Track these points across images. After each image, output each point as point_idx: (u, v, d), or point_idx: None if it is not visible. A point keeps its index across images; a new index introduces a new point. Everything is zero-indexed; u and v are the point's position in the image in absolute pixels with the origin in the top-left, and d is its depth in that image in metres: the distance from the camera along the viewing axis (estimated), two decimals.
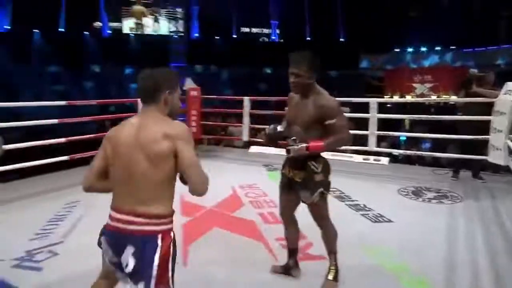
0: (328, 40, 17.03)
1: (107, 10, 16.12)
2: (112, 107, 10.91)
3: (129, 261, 1.40)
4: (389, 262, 2.64)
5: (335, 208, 3.60)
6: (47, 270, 2.51)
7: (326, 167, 2.19)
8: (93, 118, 6.05)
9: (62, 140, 4.71)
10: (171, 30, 10.60)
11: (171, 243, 1.46)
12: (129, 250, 1.40)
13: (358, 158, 5.62)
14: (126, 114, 6.37)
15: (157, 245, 1.41)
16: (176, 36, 10.57)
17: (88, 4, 15.46)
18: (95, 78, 15.84)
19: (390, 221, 3.38)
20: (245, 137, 6.16)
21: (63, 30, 15.61)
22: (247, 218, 3.42)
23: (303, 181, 2.18)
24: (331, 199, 3.85)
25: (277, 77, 15.98)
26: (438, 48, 16.36)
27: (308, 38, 17.86)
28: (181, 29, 10.49)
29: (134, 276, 1.40)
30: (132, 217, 1.42)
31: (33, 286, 2.33)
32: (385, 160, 5.51)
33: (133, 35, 16.27)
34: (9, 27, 14.92)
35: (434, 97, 14.50)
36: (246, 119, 6.03)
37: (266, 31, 18.00)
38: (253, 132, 6.95)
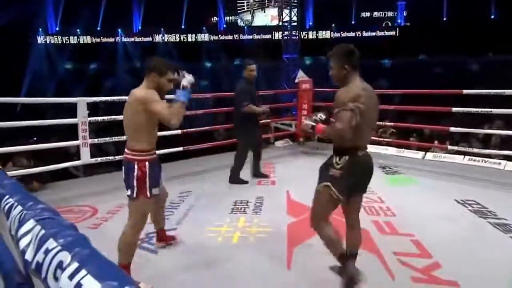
0: (475, 19, 14.89)
1: (224, 5, 17.42)
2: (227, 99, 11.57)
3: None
4: None
5: (473, 226, 3.22)
6: (161, 253, 2.84)
7: (349, 167, 2.13)
8: (206, 111, 6.50)
9: (178, 132, 5.24)
10: (284, 20, 10.81)
11: (146, 167, 2.31)
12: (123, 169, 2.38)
13: (508, 165, 4.82)
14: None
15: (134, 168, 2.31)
16: (288, 26, 10.71)
17: (206, 1, 16.93)
18: (209, 72, 17.24)
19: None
20: None
21: (183, 27, 17.45)
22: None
23: (321, 169, 2.29)
24: (467, 214, 3.45)
25: (398, 70, 14.94)
26: None
27: (445, 19, 16.01)
28: (294, 19, 10.59)
29: (126, 185, 2.35)
30: (126, 150, 2.38)
31: (149, 266, 2.66)
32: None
33: (247, 27, 17.24)
34: (140, 27, 17.41)
35: None
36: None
37: (390, 14, 16.86)
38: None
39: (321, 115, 2.26)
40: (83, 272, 0.52)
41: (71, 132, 4.73)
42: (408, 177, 4.76)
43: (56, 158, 4.73)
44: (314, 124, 2.20)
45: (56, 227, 0.63)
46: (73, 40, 17.01)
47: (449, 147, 5.41)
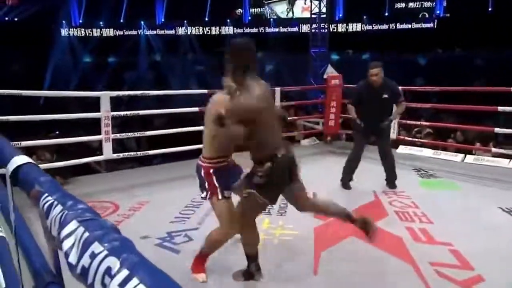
0: None
1: None
2: None
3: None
4: None
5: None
6: (183, 253, 2.87)
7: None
8: None
9: (201, 128, 5.28)
10: (313, 12, 10.72)
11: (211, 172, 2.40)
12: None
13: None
14: None
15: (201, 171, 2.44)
16: (316, 19, 10.61)
17: None
18: None
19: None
20: (393, 134, 5.77)
21: (207, 19, 17.58)
22: (391, 231, 3.19)
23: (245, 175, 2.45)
24: None
25: (446, 60, 14.38)
26: None
27: (490, 9, 15.41)
28: (323, 10, 10.48)
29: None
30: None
31: (171, 265, 2.68)
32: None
33: (273, 20, 17.20)
34: (163, 20, 17.66)
35: None
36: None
37: (427, 4, 16.38)
38: (403, 129, 6.49)
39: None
40: (135, 280, 0.51)
41: (93, 126, 4.84)
42: (446, 181, 4.62)
43: (78, 153, 4.87)
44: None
45: (100, 229, 0.62)
46: (96, 33, 17.43)
47: (493, 149, 5.21)
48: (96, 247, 0.59)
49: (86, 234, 0.63)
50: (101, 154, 4.54)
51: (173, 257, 2.82)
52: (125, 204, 3.84)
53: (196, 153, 5.52)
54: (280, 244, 3.00)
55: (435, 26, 15.95)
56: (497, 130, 5.13)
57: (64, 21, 17.09)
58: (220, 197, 2.39)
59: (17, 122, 4.13)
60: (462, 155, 5.35)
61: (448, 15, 16.07)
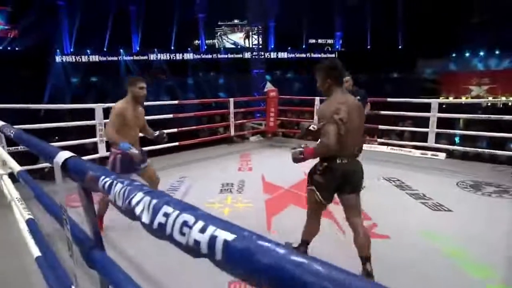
0: (387, 48, 15.74)
1: (204, 31, 17.14)
2: (213, 103, 11.27)
3: None
4: (449, 247, 2.37)
5: (395, 196, 3.40)
6: None
7: (327, 173, 1.90)
8: (195, 114, 6.52)
9: (175, 130, 5.12)
10: (253, 43, 10.80)
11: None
12: None
13: (416, 152, 5.12)
14: (220, 111, 6.71)
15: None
16: (255, 48, 10.72)
17: (190, 29, 16.61)
18: (196, 83, 16.94)
19: (449, 210, 3.02)
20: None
21: (172, 48, 16.98)
22: None
23: (310, 172, 2.03)
24: (391, 187, 3.64)
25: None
26: (497, 52, 14.01)
27: (369, 47, 16.71)
28: (260, 42, 10.61)
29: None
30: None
31: (153, 245, 2.60)
32: (442, 155, 4.92)
33: (222, 48, 17.07)
34: (138, 48, 16.76)
35: (491, 98, 12.50)
36: (316, 116, 5.89)
37: (330, 41, 17.28)
38: None
39: (313, 126, 1.93)
40: (211, 227, 0.49)
41: (85, 132, 4.51)
42: None
43: (76, 153, 4.48)
44: (301, 149, 1.90)
45: (163, 197, 0.61)
46: (84, 59, 16.19)
47: (378, 140, 5.59)
48: (167, 209, 0.57)
49: (154, 200, 0.60)
50: (96, 153, 4.23)
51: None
52: None
53: (168, 151, 5.40)
54: (242, 213, 3.02)
55: (336, 56, 16.90)
56: (380, 127, 5.53)
57: (58, 50, 15.67)
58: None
59: (24, 130, 3.70)
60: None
61: (343, 49, 17.12)
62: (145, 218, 0.60)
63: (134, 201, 0.64)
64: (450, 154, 5.20)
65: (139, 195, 0.64)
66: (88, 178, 0.80)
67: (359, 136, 1.98)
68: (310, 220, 2.09)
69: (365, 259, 1.90)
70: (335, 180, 1.91)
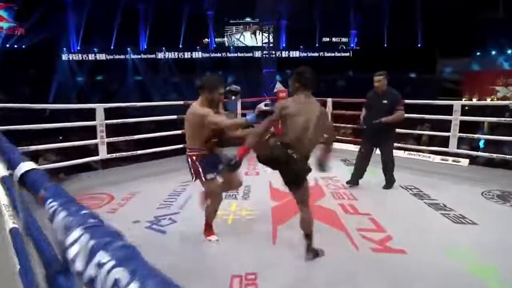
0: (405, 46, 15.41)
1: (214, 29, 17.22)
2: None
3: None
4: (473, 264, 2.22)
5: (413, 206, 3.25)
6: (169, 233, 2.73)
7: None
8: None
9: (179, 132, 5.08)
10: (264, 42, 10.73)
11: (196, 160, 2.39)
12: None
13: (436, 158, 4.92)
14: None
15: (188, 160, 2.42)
16: (266, 47, 10.64)
17: (199, 27, 16.71)
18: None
19: (473, 223, 2.85)
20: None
21: (181, 46, 17.12)
22: (328, 207, 3.24)
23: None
24: (408, 197, 3.49)
25: (358, 80, 15.16)
26: None
27: (386, 45, 16.40)
28: (272, 41, 10.53)
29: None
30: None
31: (159, 244, 2.55)
32: (464, 162, 4.71)
33: (232, 47, 17.07)
34: (145, 47, 16.98)
35: None
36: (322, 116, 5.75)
37: (344, 39, 17.08)
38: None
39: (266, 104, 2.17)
40: None
41: (90, 132, 4.51)
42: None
43: (78, 153, 4.50)
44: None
45: (104, 236, 0.47)
46: (91, 57, 16.49)
47: (395, 144, 5.39)
48: (102, 256, 0.46)
49: (92, 242, 0.49)
50: (97, 154, 4.22)
51: (161, 237, 2.66)
52: (119, 195, 3.59)
53: (175, 152, 5.38)
54: (246, 222, 2.93)
55: (351, 55, 16.68)
56: (397, 130, 5.33)
57: (64, 48, 16.01)
58: (204, 178, 2.38)
59: (28, 130, 3.74)
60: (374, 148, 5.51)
61: (358, 47, 16.86)
62: (79, 265, 0.48)
63: (70, 239, 0.51)
64: (474, 161, 4.98)
65: (78, 231, 0.51)
66: (39, 197, 0.71)
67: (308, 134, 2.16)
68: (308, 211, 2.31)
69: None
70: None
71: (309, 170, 2.18)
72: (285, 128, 2.14)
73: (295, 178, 2.19)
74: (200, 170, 2.38)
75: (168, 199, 3.50)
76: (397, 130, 5.15)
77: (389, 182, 3.77)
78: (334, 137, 2.44)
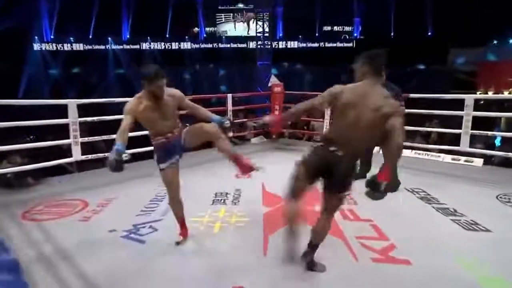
0: (414, 35, 15.43)
1: (204, 17, 17.15)
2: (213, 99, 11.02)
3: None
4: (487, 277, 2.20)
5: (420, 211, 3.23)
6: (148, 243, 2.68)
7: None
8: (186, 112, 6.16)
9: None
10: (258, 31, 10.70)
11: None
12: None
13: (446, 158, 4.92)
14: (217, 108, 6.59)
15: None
16: (261, 37, 10.61)
17: (187, 14, 16.61)
18: (193, 76, 16.94)
19: (487, 230, 2.84)
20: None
21: (168, 36, 17.04)
22: None
23: None
24: (415, 200, 3.47)
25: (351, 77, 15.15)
26: None
27: (393, 34, 16.43)
28: (266, 30, 10.50)
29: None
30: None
31: (137, 256, 2.50)
32: (478, 162, 4.72)
33: (224, 37, 17.01)
34: (128, 37, 16.86)
35: None
36: (327, 115, 5.75)
37: (347, 29, 17.08)
38: None
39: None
40: None
41: (66, 130, 4.43)
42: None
43: (52, 155, 4.43)
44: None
45: None
46: (66, 47, 16.30)
47: None
48: None
49: None
50: (71, 156, 4.16)
51: (139, 247, 2.61)
52: (94, 200, 3.53)
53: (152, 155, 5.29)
54: (235, 230, 2.89)
55: (354, 46, 16.68)
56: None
57: (36, 37, 15.80)
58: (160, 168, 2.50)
59: None
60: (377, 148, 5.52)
61: (363, 37, 16.87)
62: None
63: None
64: (488, 161, 4.98)
65: None
66: None
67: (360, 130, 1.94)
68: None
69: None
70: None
71: (356, 171, 2.04)
72: (333, 119, 2.02)
73: (343, 178, 1.98)
74: (155, 160, 2.52)
75: (149, 205, 3.45)
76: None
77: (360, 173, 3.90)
78: (400, 147, 1.84)
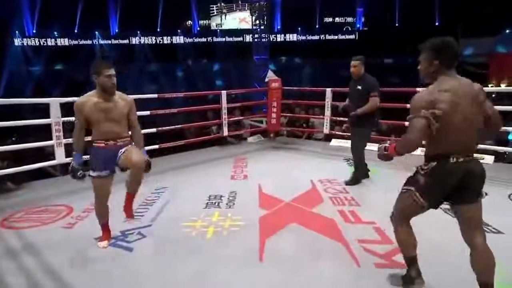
0: (421, 25, 15.43)
1: (198, 9, 17.12)
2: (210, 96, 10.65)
3: None
4: (500, 282, 2.18)
5: (425, 212, 3.19)
6: (136, 250, 2.66)
7: (434, 173, 1.87)
8: (178, 110, 5.64)
9: (154, 130, 5.01)
10: (254, 23, 10.67)
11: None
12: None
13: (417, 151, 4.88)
14: (211, 106, 6.57)
15: None
16: (258, 29, 10.59)
17: (180, 6, 16.57)
18: (185, 72, 16.92)
19: (499, 231, 2.83)
20: (326, 129, 5.88)
21: (159, 30, 17.01)
22: (326, 215, 3.20)
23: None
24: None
25: (365, 67, 15.13)
26: None
27: (397, 25, 16.44)
28: (263, 22, 10.48)
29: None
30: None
31: (125, 264, 2.48)
32: (489, 159, 4.71)
33: (219, 30, 16.99)
34: (116, 31, 16.83)
35: None
36: (327, 111, 5.74)
37: (349, 19, 17.08)
38: (336, 124, 6.63)
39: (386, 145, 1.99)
40: None
41: (48, 132, 4.40)
42: (370, 168, 4.72)
43: (34, 157, 4.40)
44: (387, 145, 1.95)
45: None
46: (50, 42, 16.23)
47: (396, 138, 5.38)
48: None
49: None
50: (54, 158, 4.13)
51: (127, 255, 2.59)
52: (79, 206, 3.51)
53: (150, 154, 5.29)
54: (229, 235, 2.87)
55: (356, 38, 16.69)
56: (406, 124, 5.32)
57: (17, 31, 15.71)
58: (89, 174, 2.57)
59: None
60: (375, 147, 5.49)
61: (366, 28, 16.87)
62: None
63: None
64: (500, 158, 4.98)
65: None
66: None
67: (472, 129, 1.83)
68: (400, 230, 2.05)
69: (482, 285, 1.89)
70: (446, 184, 1.84)
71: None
72: (436, 134, 1.76)
73: (481, 185, 1.87)
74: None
75: (138, 209, 3.42)
76: (404, 122, 5.13)
77: (353, 178, 4.00)
78: (499, 123, 1.95)
